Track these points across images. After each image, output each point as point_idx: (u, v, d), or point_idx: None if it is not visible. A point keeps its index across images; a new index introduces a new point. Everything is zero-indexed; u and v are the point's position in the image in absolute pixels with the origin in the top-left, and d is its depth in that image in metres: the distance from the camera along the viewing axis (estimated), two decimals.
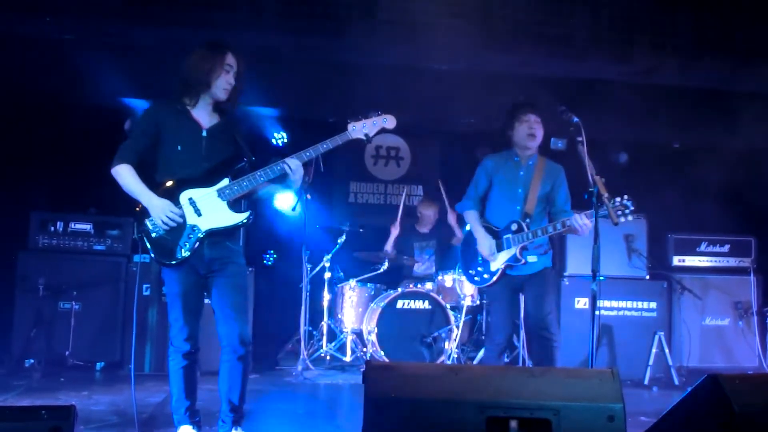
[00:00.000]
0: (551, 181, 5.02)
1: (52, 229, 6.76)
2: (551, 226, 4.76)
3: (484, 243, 4.96)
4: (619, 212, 4.34)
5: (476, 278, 5.10)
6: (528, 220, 4.89)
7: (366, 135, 4.03)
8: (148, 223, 3.87)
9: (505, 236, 4.92)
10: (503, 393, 2.60)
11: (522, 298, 5.13)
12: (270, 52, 6.90)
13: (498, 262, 4.93)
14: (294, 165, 3.92)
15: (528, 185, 4.97)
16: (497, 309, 5.12)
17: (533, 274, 4.95)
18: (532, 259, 4.91)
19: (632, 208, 4.39)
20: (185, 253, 3.87)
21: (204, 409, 4.21)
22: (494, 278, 4.97)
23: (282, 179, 3.99)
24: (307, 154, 3.96)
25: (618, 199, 4.39)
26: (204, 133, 3.99)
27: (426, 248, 7.95)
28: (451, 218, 7.76)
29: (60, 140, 7.52)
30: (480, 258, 5.02)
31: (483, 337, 7.43)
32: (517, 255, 4.85)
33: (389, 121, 4.11)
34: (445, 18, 6.06)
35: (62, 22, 6.32)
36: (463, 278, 7.21)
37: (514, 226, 4.89)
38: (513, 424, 2.53)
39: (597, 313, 3.74)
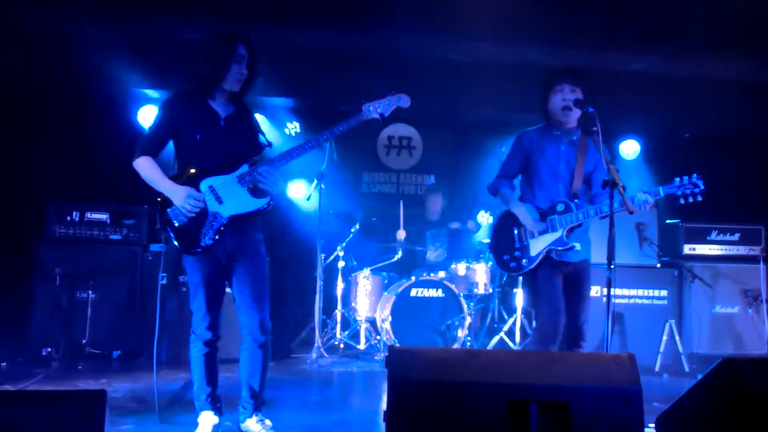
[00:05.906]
0: (594, 161, 4.54)
1: (69, 218, 6.82)
2: (606, 206, 4.09)
3: (528, 214, 4.47)
4: (688, 190, 4.17)
5: (512, 264, 4.55)
6: (576, 200, 4.44)
7: (381, 115, 4.07)
8: (169, 212, 3.91)
9: (550, 217, 4.43)
10: (523, 377, 2.65)
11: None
12: (284, 42, 6.94)
13: (540, 246, 4.43)
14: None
15: (572, 162, 4.51)
16: (545, 292, 4.42)
17: (576, 264, 4.49)
18: (578, 246, 4.43)
19: (702, 188, 4.17)
20: (209, 241, 3.91)
21: (222, 395, 4.25)
22: (535, 264, 4.44)
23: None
24: (324, 137, 4.01)
25: (687, 177, 4.19)
26: (222, 122, 4.04)
27: (438, 236, 7.99)
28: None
29: (76, 130, 7.57)
30: (517, 242, 4.53)
31: (495, 325, 7.48)
32: (564, 237, 4.38)
33: (403, 100, 4.12)
34: (460, 8, 6.07)
35: (78, 14, 6.37)
36: (476, 266, 7.31)
37: (560, 207, 4.42)
38: (533, 406, 2.58)
39: (612, 300, 3.76)
